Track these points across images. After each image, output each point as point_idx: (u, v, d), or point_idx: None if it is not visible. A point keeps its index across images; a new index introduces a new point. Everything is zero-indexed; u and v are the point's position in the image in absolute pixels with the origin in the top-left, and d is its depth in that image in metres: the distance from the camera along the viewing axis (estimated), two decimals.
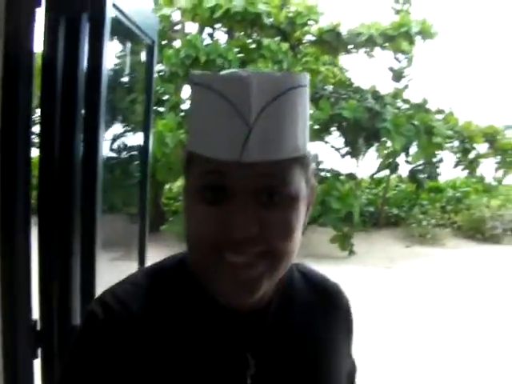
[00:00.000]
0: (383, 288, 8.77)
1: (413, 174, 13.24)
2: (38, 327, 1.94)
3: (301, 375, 1.05)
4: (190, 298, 1.02)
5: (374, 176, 14.18)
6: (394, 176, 14.13)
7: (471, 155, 13.85)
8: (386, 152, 12.76)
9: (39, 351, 1.95)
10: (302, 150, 0.94)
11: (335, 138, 13.22)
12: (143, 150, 2.76)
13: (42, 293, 1.94)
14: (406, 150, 12.54)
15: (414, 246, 12.20)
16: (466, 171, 14.38)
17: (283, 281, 1.06)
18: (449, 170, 14.27)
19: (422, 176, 13.17)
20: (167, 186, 13.76)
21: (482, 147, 13.90)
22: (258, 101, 0.87)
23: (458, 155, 13.82)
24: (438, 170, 13.43)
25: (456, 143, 13.59)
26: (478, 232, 13.04)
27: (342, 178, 12.30)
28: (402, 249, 11.97)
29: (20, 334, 1.91)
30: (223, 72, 0.97)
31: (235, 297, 0.94)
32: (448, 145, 13.20)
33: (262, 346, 1.03)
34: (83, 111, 1.95)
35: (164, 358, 0.98)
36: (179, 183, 14.67)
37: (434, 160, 13.09)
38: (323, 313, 1.13)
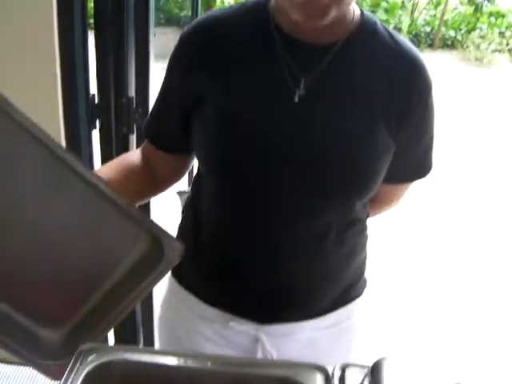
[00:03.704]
0: None
1: None
2: (96, 101, 2.09)
3: (341, 112, 1.15)
4: (265, 24, 1.15)
5: None
6: None
7: None
8: None
9: (97, 122, 2.11)
10: None
11: None
12: None
13: (99, 69, 2.05)
14: None
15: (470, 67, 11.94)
16: None
17: (357, 23, 1.16)
18: None
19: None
20: None
21: None
22: None
23: None
24: None
25: None
26: None
27: None
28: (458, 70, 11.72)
29: (80, 108, 2.05)
30: None
31: (307, 20, 1.04)
32: None
33: (318, 74, 1.13)
34: None
35: (230, 65, 1.16)
36: None
37: None
38: (401, 74, 1.16)
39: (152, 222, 1.15)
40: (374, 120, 1.15)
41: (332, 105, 1.15)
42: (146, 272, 1.13)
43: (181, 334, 1.42)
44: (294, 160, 1.15)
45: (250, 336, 1.32)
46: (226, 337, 1.34)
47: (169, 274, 1.42)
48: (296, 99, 1.13)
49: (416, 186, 1.40)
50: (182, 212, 1.43)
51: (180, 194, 1.58)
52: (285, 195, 1.18)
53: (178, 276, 1.40)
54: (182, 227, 1.41)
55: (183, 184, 1.49)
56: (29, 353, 1.10)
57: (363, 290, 1.42)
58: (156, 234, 1.13)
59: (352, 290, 1.38)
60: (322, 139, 1.15)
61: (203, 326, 1.36)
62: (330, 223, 1.23)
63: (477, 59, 12.41)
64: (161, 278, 1.16)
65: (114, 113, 2.06)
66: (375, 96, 1.15)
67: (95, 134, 2.12)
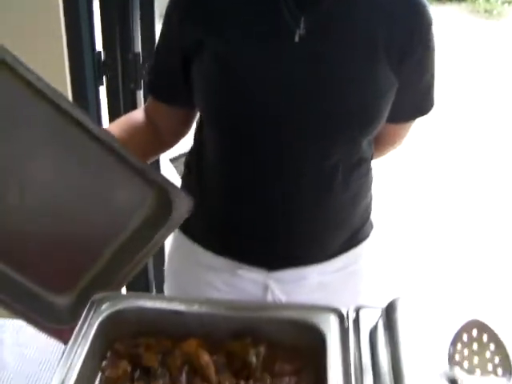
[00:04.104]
0: None
1: None
2: (103, 58, 2.07)
3: (343, 50, 1.13)
4: None
5: None
6: None
7: None
8: None
9: (104, 79, 2.10)
10: None
11: None
12: None
13: (104, 26, 2.03)
14: None
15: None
16: None
17: None
18: None
19: None
20: None
21: None
22: None
23: None
24: None
25: None
26: None
27: None
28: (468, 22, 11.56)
29: (86, 65, 2.04)
30: None
31: None
32: None
33: (318, 13, 1.11)
34: None
35: (226, 9, 1.14)
36: None
37: None
38: (402, 12, 1.14)
39: (161, 176, 1.14)
40: (376, 57, 1.14)
41: (333, 43, 1.13)
42: (156, 227, 1.13)
43: (189, 287, 1.43)
44: (294, 103, 1.13)
45: (260, 284, 1.32)
46: (235, 285, 1.35)
47: None
48: (296, 39, 1.11)
49: (425, 130, 1.39)
50: (185, 165, 1.42)
51: (173, 160, 1.57)
52: (286, 140, 1.17)
53: (184, 228, 1.40)
54: (185, 179, 1.41)
55: (174, 151, 1.48)
56: (39, 317, 1.10)
57: (369, 232, 1.42)
58: (165, 188, 1.12)
59: (358, 234, 1.37)
60: (323, 79, 1.13)
61: (212, 276, 1.36)
62: (337, 163, 1.22)
63: (486, 11, 12.18)
64: (170, 232, 1.16)
65: (121, 69, 2.05)
66: (376, 33, 1.13)
67: (102, 91, 2.11)
